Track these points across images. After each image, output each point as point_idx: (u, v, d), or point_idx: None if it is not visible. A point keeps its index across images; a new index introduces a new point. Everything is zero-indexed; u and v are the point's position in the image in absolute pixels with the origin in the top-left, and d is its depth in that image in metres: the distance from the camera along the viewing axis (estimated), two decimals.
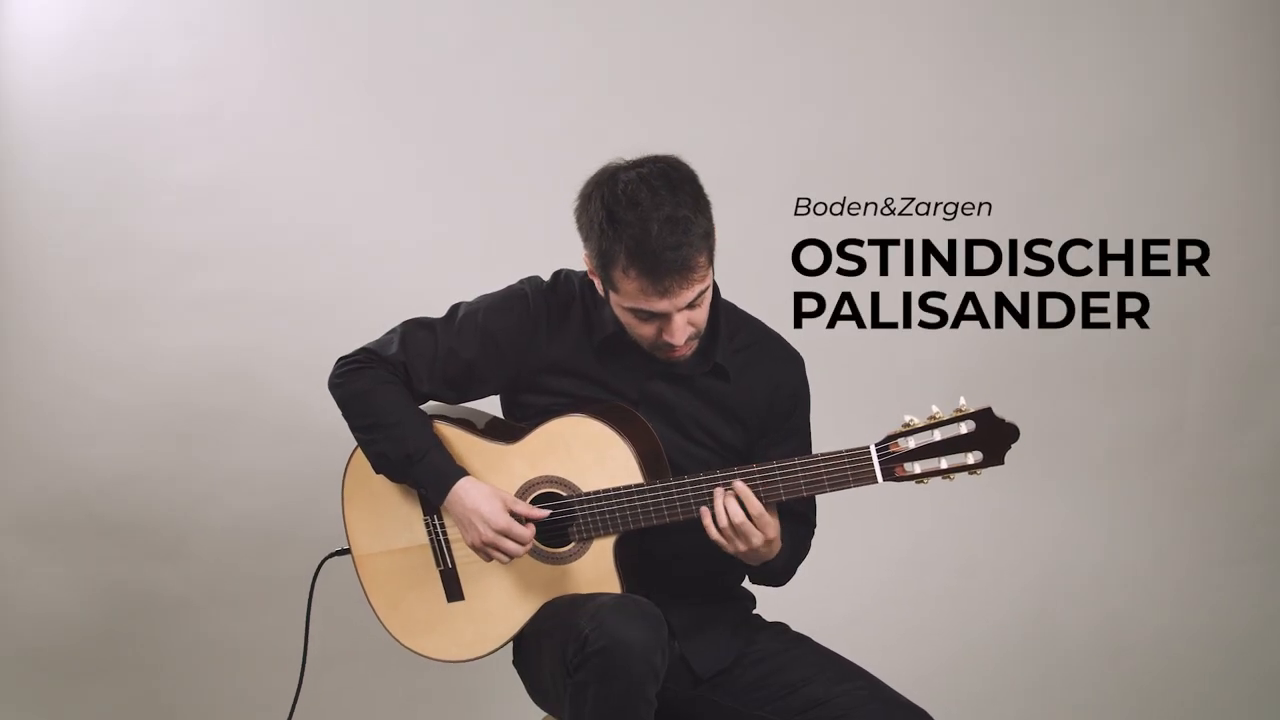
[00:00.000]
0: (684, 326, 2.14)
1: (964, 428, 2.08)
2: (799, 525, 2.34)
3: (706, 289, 2.15)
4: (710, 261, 2.14)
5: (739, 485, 2.14)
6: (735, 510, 2.13)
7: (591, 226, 2.13)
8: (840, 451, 2.12)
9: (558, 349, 2.30)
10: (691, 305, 2.13)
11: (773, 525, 2.16)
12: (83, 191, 3.39)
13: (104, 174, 3.38)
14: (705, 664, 2.29)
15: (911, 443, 2.09)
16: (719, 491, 2.15)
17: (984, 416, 2.07)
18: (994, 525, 3.60)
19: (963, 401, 2.09)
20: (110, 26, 3.36)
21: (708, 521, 2.15)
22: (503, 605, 2.32)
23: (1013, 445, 2.07)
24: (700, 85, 3.46)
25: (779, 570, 2.32)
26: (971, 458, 2.08)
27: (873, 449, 2.10)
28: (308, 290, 3.42)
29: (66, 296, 3.40)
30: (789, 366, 2.34)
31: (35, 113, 3.37)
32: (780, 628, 2.39)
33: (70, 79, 3.36)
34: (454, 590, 2.35)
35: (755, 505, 2.14)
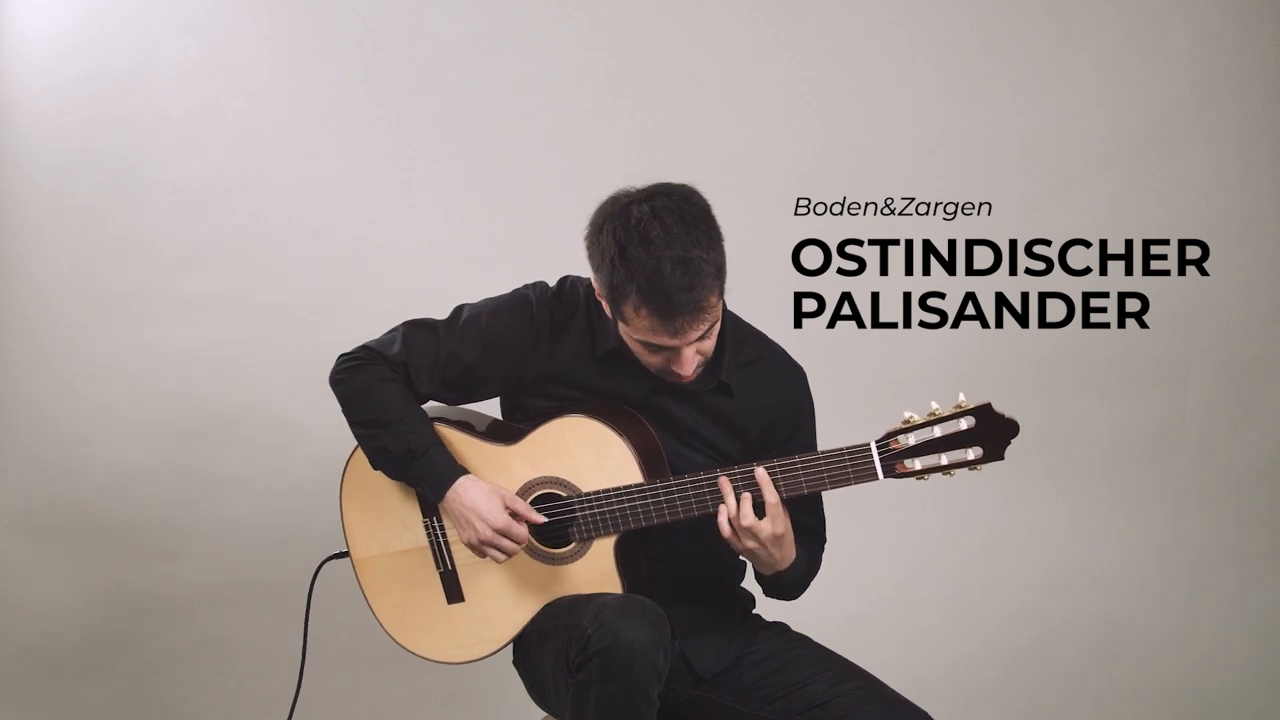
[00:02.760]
0: (693, 358, 2.14)
1: (964, 423, 2.07)
2: (810, 537, 2.33)
3: (718, 321, 2.14)
4: (721, 296, 2.13)
5: (760, 473, 2.13)
6: (747, 511, 2.13)
7: (603, 259, 2.11)
8: (841, 449, 2.11)
9: (560, 358, 2.30)
10: (701, 337, 2.12)
11: (783, 520, 2.15)
12: (83, 191, 3.38)
13: (104, 174, 3.38)
14: (706, 664, 2.29)
15: (912, 439, 2.09)
16: (730, 490, 2.14)
17: (984, 412, 2.07)
18: (994, 526, 3.60)
19: (962, 398, 2.09)
20: (110, 26, 3.36)
21: (722, 519, 2.14)
22: (503, 606, 2.31)
23: (1013, 441, 2.07)
24: (700, 85, 3.45)
25: (794, 582, 2.30)
26: (972, 453, 2.08)
27: (873, 445, 2.10)
28: (308, 291, 3.41)
29: (66, 296, 3.40)
30: (792, 382, 2.33)
31: (35, 113, 3.37)
32: (781, 628, 2.39)
33: (70, 79, 3.36)
34: (454, 592, 2.35)
35: (773, 494, 2.13)
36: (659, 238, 2.06)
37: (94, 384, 3.41)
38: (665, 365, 2.16)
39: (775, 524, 2.14)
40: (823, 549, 2.38)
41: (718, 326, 2.16)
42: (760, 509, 2.14)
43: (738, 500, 2.14)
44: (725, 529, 2.15)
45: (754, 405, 2.29)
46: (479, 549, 2.26)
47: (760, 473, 2.13)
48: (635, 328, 2.12)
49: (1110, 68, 3.49)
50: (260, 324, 3.41)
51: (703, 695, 2.29)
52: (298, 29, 3.40)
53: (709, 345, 2.16)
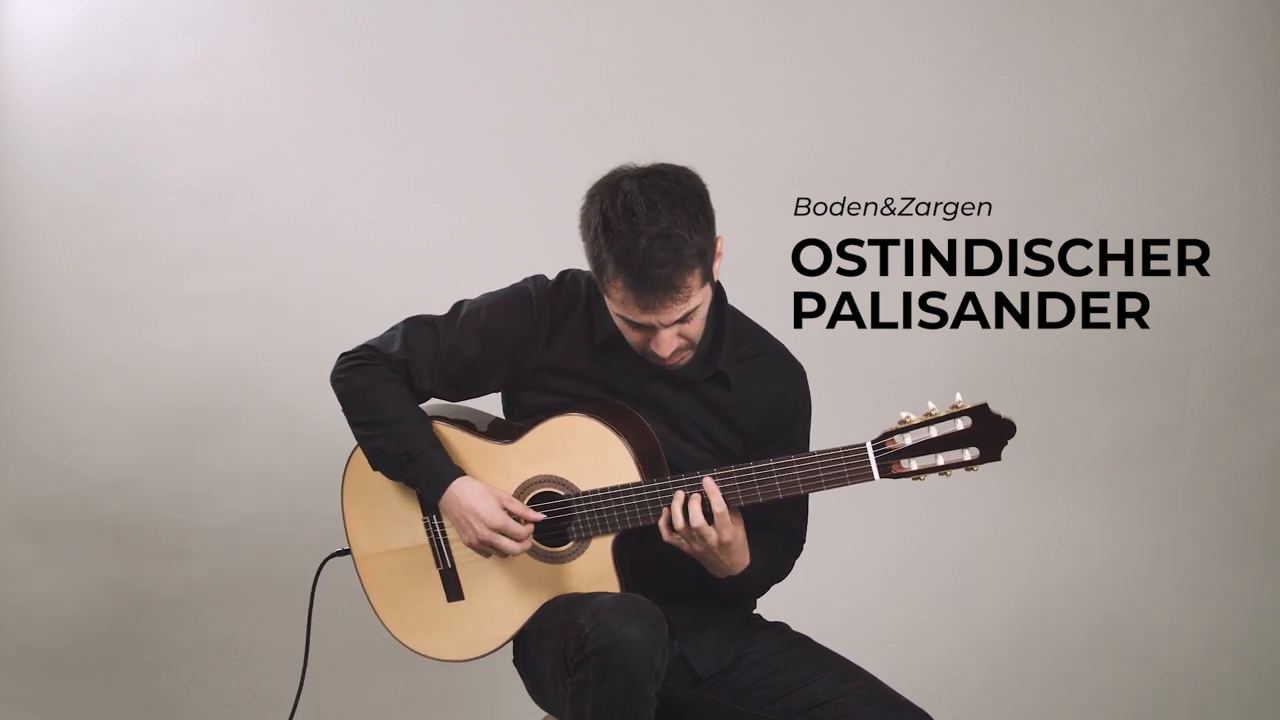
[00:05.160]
0: (672, 340, 2.14)
1: (960, 424, 2.06)
2: (783, 538, 2.33)
3: (700, 305, 2.14)
4: (705, 279, 2.13)
5: (707, 483, 2.13)
6: (695, 512, 2.13)
7: (588, 229, 2.13)
8: (837, 449, 2.11)
9: (559, 350, 2.30)
10: (681, 320, 2.13)
11: (730, 528, 2.15)
12: (83, 191, 3.39)
13: (104, 174, 3.39)
14: (705, 663, 2.29)
15: (908, 439, 2.08)
16: (679, 494, 2.15)
17: (980, 413, 2.06)
18: (994, 525, 3.59)
19: (959, 398, 2.08)
20: (110, 26, 3.36)
21: (663, 523, 2.15)
22: (502, 605, 2.32)
23: (1009, 441, 2.06)
24: (700, 85, 3.46)
25: (751, 587, 2.30)
26: (968, 454, 2.07)
27: (869, 446, 2.09)
28: (308, 290, 3.42)
29: (66, 296, 3.40)
30: (792, 379, 2.33)
31: (35, 113, 3.37)
32: (780, 628, 2.38)
33: (70, 79, 3.36)
34: (454, 590, 2.35)
35: (720, 504, 2.13)
36: (643, 213, 2.07)
37: (94, 384, 3.41)
38: (645, 344, 2.16)
39: (723, 532, 2.14)
40: (797, 553, 2.37)
41: (701, 310, 2.15)
42: (709, 516, 2.14)
43: (686, 502, 2.14)
44: (664, 533, 2.15)
45: (750, 399, 2.28)
46: (480, 549, 2.27)
47: (707, 482, 2.13)
48: (614, 300, 2.13)
49: (1110, 68, 3.49)
50: (260, 324, 3.41)
51: (702, 695, 2.29)
52: (298, 29, 3.40)
53: (692, 329, 2.16)
